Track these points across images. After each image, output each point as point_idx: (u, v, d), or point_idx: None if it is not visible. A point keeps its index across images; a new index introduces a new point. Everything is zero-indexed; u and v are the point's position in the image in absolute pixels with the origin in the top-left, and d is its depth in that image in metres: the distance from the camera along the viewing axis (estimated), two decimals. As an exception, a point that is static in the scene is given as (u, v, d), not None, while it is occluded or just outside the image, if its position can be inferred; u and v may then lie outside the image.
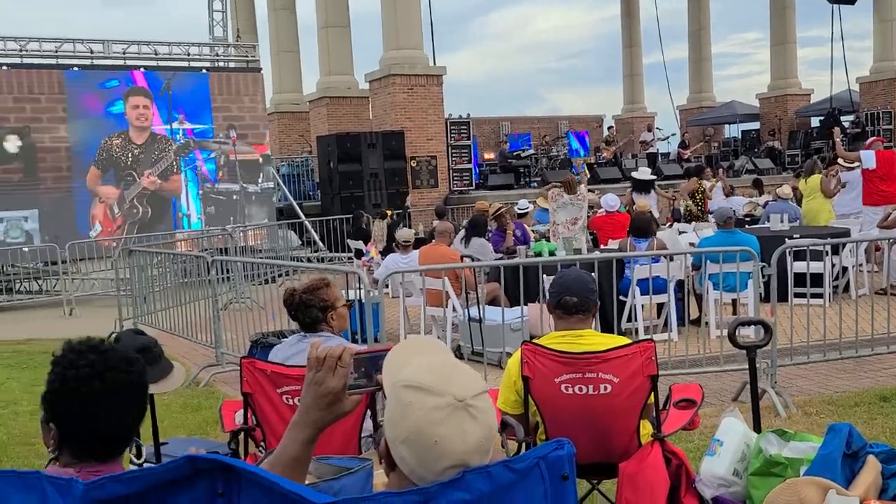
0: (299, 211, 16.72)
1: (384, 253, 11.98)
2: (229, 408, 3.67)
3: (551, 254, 8.64)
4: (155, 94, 15.04)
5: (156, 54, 15.47)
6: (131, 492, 1.37)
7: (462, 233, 9.45)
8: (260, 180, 16.04)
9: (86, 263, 13.74)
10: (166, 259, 10.48)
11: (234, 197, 15.71)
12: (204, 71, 15.76)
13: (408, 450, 1.39)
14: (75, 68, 14.59)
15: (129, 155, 14.93)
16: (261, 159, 16.06)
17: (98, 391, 1.73)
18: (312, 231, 16.22)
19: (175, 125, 15.26)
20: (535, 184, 19.98)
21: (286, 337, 5.08)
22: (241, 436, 3.31)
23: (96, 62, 14.88)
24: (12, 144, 13.91)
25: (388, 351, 1.63)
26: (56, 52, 14.60)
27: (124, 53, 15.16)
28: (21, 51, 14.33)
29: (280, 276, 11.12)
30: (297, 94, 23.75)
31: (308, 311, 3.49)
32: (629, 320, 7.30)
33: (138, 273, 10.00)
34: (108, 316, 10.31)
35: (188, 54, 15.87)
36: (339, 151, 17.26)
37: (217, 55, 16.51)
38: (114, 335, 3.66)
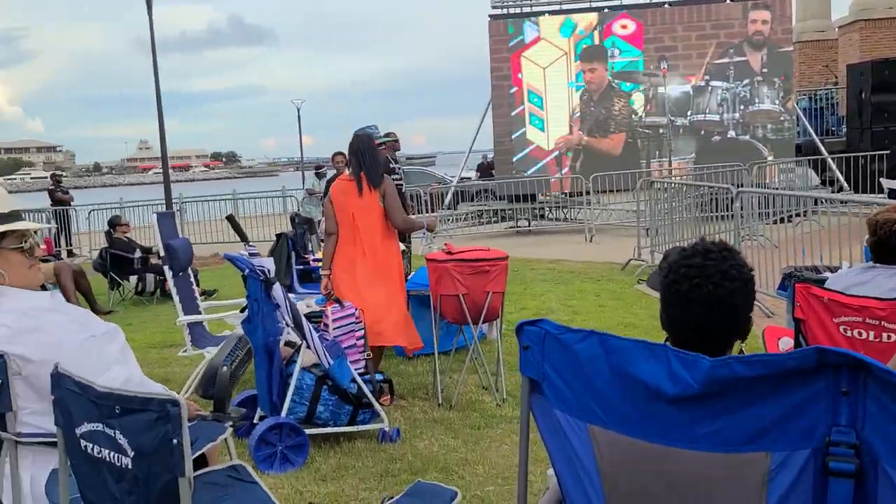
0: (821, 147, 15.41)
1: (929, 195, 10.37)
2: (773, 333, 3.61)
3: None
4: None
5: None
6: (753, 374, 1.43)
7: None
8: (689, 113, 15.31)
9: (606, 195, 14.79)
10: (680, 190, 10.62)
11: (661, 130, 15.27)
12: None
13: None
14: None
15: (590, 107, 15.58)
16: (692, 91, 15.28)
17: (684, 294, 1.81)
18: (836, 169, 14.84)
19: (609, 60, 15.41)
20: None
21: (820, 273, 4.76)
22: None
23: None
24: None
25: None
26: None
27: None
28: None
29: (796, 215, 10.49)
30: (823, 20, 21.68)
31: None
32: None
33: (652, 205, 10.37)
34: (624, 244, 11.00)
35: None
36: (873, 80, 15.34)
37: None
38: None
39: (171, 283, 5.12)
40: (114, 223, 10.06)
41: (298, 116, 39.24)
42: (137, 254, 9.57)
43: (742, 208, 8.30)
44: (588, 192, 13.92)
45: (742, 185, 11.26)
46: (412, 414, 4.62)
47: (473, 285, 4.68)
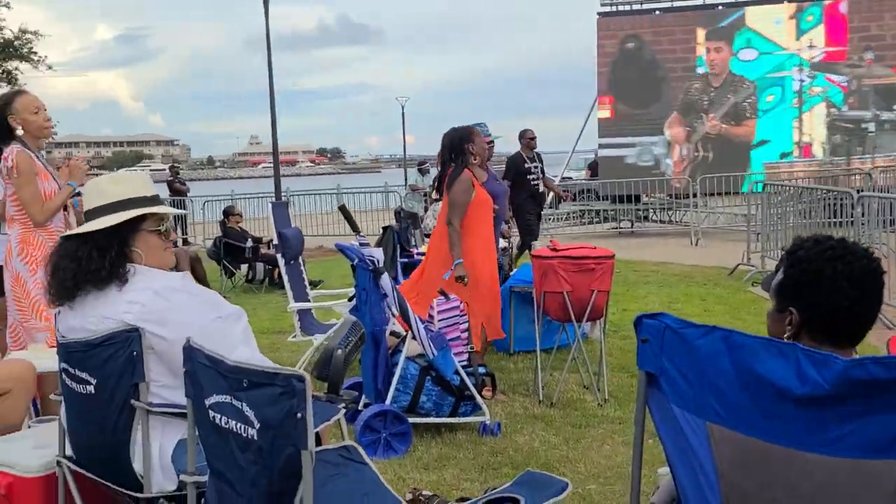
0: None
1: None
2: (899, 344, 3.43)
3: None
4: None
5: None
6: (891, 377, 1.37)
7: None
8: (896, 107, 14.33)
9: (714, 198, 14.35)
10: (796, 194, 10.17)
11: (863, 125, 14.34)
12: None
13: None
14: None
15: (706, 99, 14.90)
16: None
17: (839, 274, 1.75)
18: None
19: (803, 54, 14.61)
20: None
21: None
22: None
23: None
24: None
25: None
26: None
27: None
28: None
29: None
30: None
31: None
32: None
33: (764, 209, 9.99)
34: (732, 249, 10.64)
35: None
36: None
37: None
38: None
39: (283, 270, 5.31)
40: (227, 213, 10.51)
41: (402, 114, 39.84)
42: (249, 243, 9.96)
43: (864, 214, 7.90)
44: (695, 195, 13.55)
45: (862, 190, 10.70)
46: (513, 409, 4.63)
47: (578, 283, 4.64)
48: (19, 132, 3.90)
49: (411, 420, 4.06)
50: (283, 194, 17.45)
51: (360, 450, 2.40)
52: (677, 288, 8.72)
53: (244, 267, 9.97)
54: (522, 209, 8.31)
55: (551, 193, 15.60)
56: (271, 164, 18.92)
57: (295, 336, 5.23)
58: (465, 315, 4.48)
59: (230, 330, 2.36)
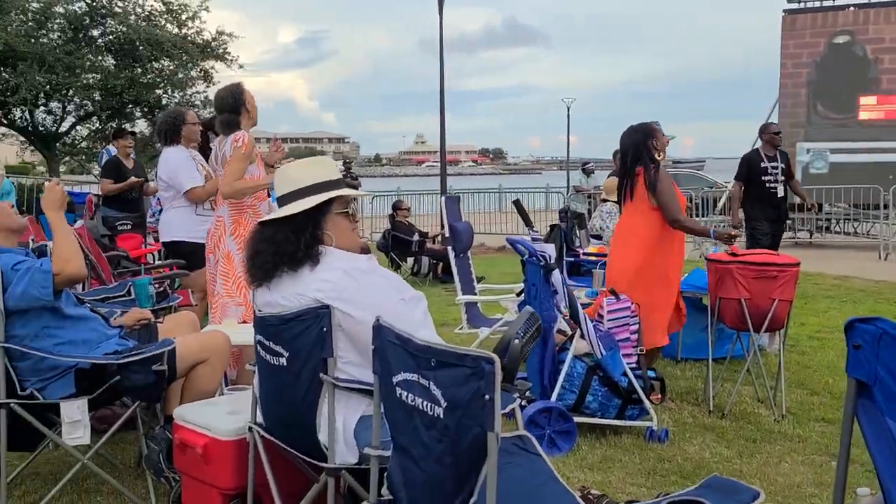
0: None
1: None
2: None
3: None
4: None
5: None
6: None
7: None
8: None
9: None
10: None
11: None
12: None
13: None
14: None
15: None
16: None
17: None
18: None
19: None
20: None
21: None
22: None
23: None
24: None
25: None
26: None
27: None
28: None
29: None
30: None
31: None
32: None
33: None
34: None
35: None
36: None
37: None
38: None
39: (452, 262, 5.41)
40: (396, 206, 10.85)
41: (567, 114, 39.49)
42: (416, 237, 10.23)
43: None
44: (886, 206, 12.50)
45: None
46: (681, 417, 4.47)
47: (758, 290, 4.41)
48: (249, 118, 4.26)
49: (576, 419, 4.01)
50: (447, 191, 17.80)
51: (534, 441, 2.39)
52: (863, 304, 8.08)
53: (410, 260, 10.25)
54: (751, 215, 7.28)
55: (724, 198, 14.92)
56: (435, 163, 19.46)
57: (461, 328, 5.32)
58: (636, 315, 4.37)
59: (412, 312, 2.43)
